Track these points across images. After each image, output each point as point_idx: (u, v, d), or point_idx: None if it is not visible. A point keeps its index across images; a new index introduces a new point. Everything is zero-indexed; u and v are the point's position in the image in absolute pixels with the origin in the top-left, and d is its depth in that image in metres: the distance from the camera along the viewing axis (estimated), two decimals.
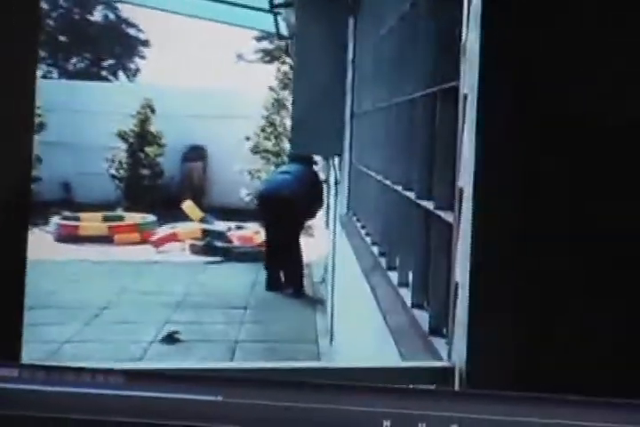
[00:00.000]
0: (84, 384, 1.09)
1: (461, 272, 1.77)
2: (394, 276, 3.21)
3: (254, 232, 11.17)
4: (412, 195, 2.86)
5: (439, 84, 2.46)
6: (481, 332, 1.65)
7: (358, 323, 4.14)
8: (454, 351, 1.80)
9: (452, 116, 2.11)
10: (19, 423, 1.08)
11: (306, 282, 8.63)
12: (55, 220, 12.40)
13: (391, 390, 1.12)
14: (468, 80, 1.82)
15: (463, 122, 1.88)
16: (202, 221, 12.02)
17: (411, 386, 1.72)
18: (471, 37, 1.79)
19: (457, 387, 1.70)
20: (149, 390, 1.09)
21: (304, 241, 8.86)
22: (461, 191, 1.83)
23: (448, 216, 2.18)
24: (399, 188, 3.17)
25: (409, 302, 2.77)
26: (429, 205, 2.53)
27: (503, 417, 1.07)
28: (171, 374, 1.11)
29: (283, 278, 8.62)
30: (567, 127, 1.64)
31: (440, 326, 2.35)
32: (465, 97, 1.85)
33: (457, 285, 1.81)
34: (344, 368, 1.84)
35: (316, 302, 8.08)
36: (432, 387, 1.76)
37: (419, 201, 2.72)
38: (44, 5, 23.13)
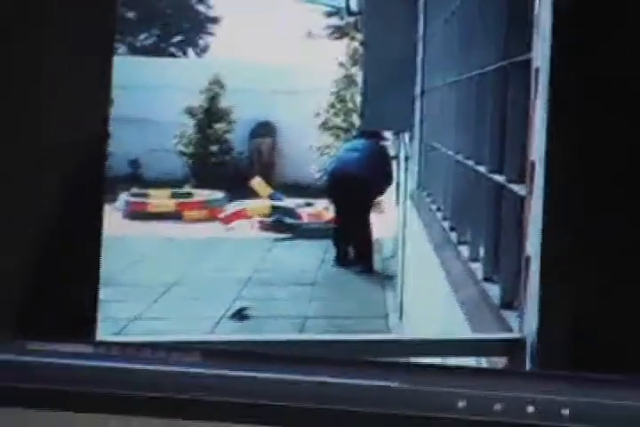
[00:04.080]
0: (159, 361, 1.10)
1: (533, 245, 1.77)
2: (464, 250, 3.21)
3: (323, 209, 11.19)
4: (483, 169, 2.86)
5: (511, 58, 2.45)
6: (552, 304, 1.66)
7: (429, 298, 4.15)
8: (525, 324, 1.81)
9: (524, 89, 2.10)
10: (94, 400, 1.10)
11: (375, 258, 8.63)
12: (124, 196, 12.49)
13: (466, 370, 1.12)
14: (541, 53, 1.81)
15: (535, 95, 1.87)
16: (270, 197, 12.07)
17: (485, 365, 1.74)
18: (543, 9, 1.78)
19: (528, 360, 1.71)
20: (226, 368, 1.09)
21: (374, 217, 8.87)
22: (533, 165, 1.83)
23: (520, 189, 2.19)
24: (470, 162, 3.17)
25: (480, 276, 2.77)
26: (501, 178, 2.53)
27: (580, 398, 1.07)
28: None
29: (352, 255, 8.65)
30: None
31: (511, 300, 2.36)
32: (537, 70, 1.84)
33: (528, 258, 1.82)
34: (414, 340, 1.86)
35: (386, 278, 8.09)
36: (504, 361, 1.78)
37: (490, 175, 2.71)
38: None
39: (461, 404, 1.07)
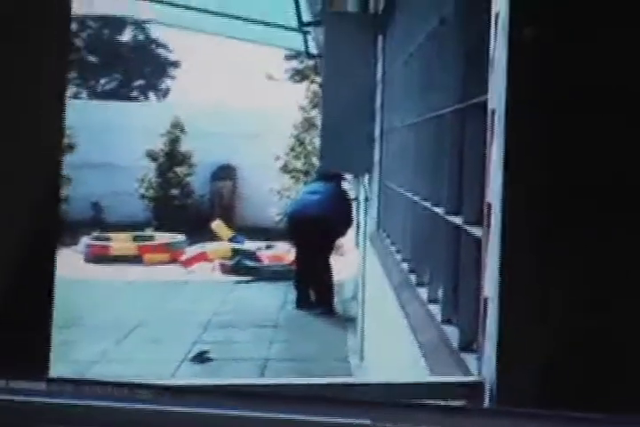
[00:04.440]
0: (111, 398, 1.09)
1: (491, 287, 1.77)
2: (423, 292, 3.20)
3: (284, 251, 11.18)
4: (441, 210, 2.86)
5: (468, 100, 2.47)
6: (511, 346, 1.65)
7: (389, 340, 4.13)
8: (484, 366, 1.79)
9: (480, 131, 2.11)
10: None
11: (336, 300, 8.61)
12: (85, 240, 12.47)
13: (437, 408, 1.11)
14: (496, 95, 1.82)
15: (491, 137, 1.88)
16: (231, 240, 12.06)
17: (442, 403, 1.72)
18: (498, 53, 1.80)
19: (487, 402, 1.69)
20: (179, 404, 1.09)
21: (334, 259, 8.86)
22: (489, 206, 1.83)
23: (477, 231, 2.18)
24: (428, 204, 3.17)
25: (439, 318, 2.76)
26: (459, 220, 2.52)
27: None
28: (206, 389, 1.11)
29: (313, 297, 8.62)
30: (596, 143, 1.63)
31: (470, 342, 2.34)
32: (493, 112, 1.85)
33: (486, 300, 1.81)
34: (374, 384, 1.84)
35: (347, 320, 8.06)
36: (462, 404, 1.76)
37: (448, 217, 2.71)
38: (74, 26, 23.40)
39: None
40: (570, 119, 1.62)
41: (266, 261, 11.04)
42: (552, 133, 1.63)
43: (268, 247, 11.76)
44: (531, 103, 1.65)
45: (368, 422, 1.09)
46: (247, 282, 10.44)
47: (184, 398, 1.12)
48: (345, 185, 8.82)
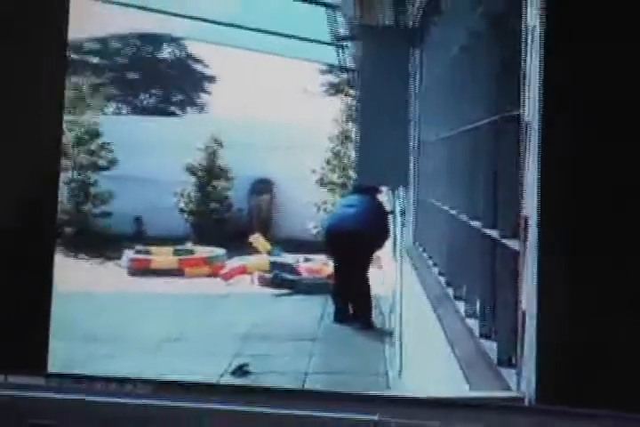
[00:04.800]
0: (109, 393, 1.10)
1: (528, 301, 1.75)
2: (461, 305, 3.19)
3: (322, 264, 11.17)
4: (477, 224, 2.85)
5: (502, 113, 2.46)
6: (550, 362, 1.63)
7: (427, 354, 4.11)
8: (523, 381, 1.78)
9: (515, 144, 2.10)
10: None
11: (374, 314, 8.58)
12: (128, 253, 12.60)
13: (446, 402, 1.12)
14: (530, 108, 1.82)
15: (526, 150, 1.87)
16: (270, 253, 12.08)
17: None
18: (532, 66, 1.79)
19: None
20: (177, 399, 1.09)
21: (372, 273, 8.84)
22: (526, 220, 1.82)
23: (514, 244, 2.17)
24: (465, 217, 3.16)
25: (477, 332, 2.75)
26: (495, 233, 2.51)
27: None
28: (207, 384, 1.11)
29: (351, 310, 8.60)
30: (630, 155, 1.62)
31: (509, 356, 2.33)
32: (527, 125, 1.85)
33: (524, 313, 1.80)
34: (412, 398, 1.83)
35: (385, 334, 8.03)
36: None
37: (484, 230, 2.70)
38: (115, 44, 23.69)
39: None
40: (603, 132, 1.62)
41: (304, 274, 11.05)
42: (586, 146, 1.62)
43: (307, 260, 11.76)
44: (565, 117, 1.64)
45: (376, 417, 1.09)
46: (286, 295, 10.45)
47: (182, 393, 1.13)
48: (381, 198, 8.80)
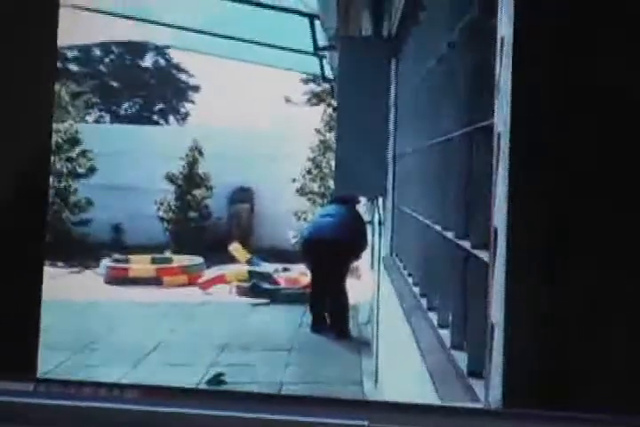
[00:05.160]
0: (99, 399, 1.09)
1: (496, 313, 1.75)
2: (434, 316, 3.18)
3: (301, 274, 11.17)
4: (450, 235, 2.85)
5: (475, 124, 2.46)
6: (516, 374, 1.63)
7: (401, 365, 4.10)
8: (490, 393, 1.77)
9: (487, 155, 2.11)
10: None
11: (351, 324, 8.58)
12: (105, 262, 12.57)
13: (432, 408, 1.11)
14: (501, 119, 1.82)
15: (497, 160, 1.87)
16: (248, 262, 12.07)
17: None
18: (503, 76, 1.79)
19: None
20: (166, 405, 1.08)
21: (350, 283, 8.84)
22: (496, 231, 1.82)
23: (485, 255, 2.17)
24: (438, 227, 3.16)
25: (448, 343, 2.74)
26: (467, 244, 2.51)
27: None
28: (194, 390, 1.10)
29: (328, 320, 8.60)
30: (602, 165, 1.62)
31: (478, 368, 2.32)
32: (499, 136, 1.85)
33: (492, 325, 1.79)
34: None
35: (362, 344, 8.03)
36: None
37: (457, 240, 2.70)
38: (97, 52, 23.65)
39: None
40: (574, 143, 1.62)
41: (282, 284, 11.04)
42: (557, 156, 1.62)
43: (285, 270, 11.76)
44: (535, 126, 1.64)
45: (365, 423, 1.08)
46: (264, 304, 10.44)
47: (171, 398, 1.11)
48: (360, 208, 8.82)
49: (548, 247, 1.63)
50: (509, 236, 1.67)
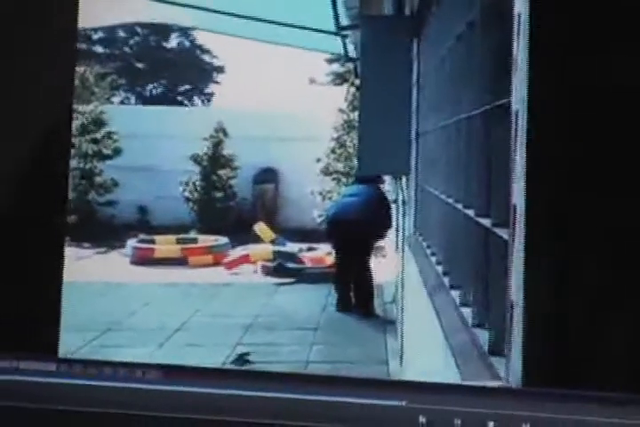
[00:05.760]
0: (121, 379, 1.09)
1: (516, 291, 1.75)
2: (457, 295, 3.19)
3: (326, 253, 11.19)
4: (471, 212, 2.85)
5: (495, 102, 2.46)
6: (536, 352, 1.63)
7: (425, 344, 4.12)
8: (511, 371, 1.78)
9: (506, 132, 2.10)
10: (56, 417, 1.09)
11: (376, 303, 8.60)
12: (131, 243, 12.64)
13: (461, 388, 1.11)
14: (519, 96, 1.81)
15: (515, 137, 1.87)
16: (273, 242, 12.11)
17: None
18: (520, 53, 1.79)
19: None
20: (188, 385, 1.08)
21: (375, 262, 8.85)
22: (515, 208, 1.82)
23: (504, 233, 2.17)
24: (460, 205, 3.16)
25: (470, 322, 2.75)
26: (487, 222, 2.51)
27: (570, 416, 1.06)
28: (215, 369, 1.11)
29: (353, 300, 8.62)
30: (620, 143, 1.61)
31: (499, 346, 2.33)
32: (516, 113, 1.84)
33: (512, 304, 1.80)
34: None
35: (387, 323, 8.05)
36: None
37: (478, 218, 2.70)
38: (122, 34, 23.70)
39: (457, 421, 1.06)
40: (592, 120, 1.61)
41: (307, 264, 11.08)
42: (574, 134, 1.61)
43: (310, 249, 11.78)
44: (552, 103, 1.63)
45: (403, 403, 1.08)
46: (289, 284, 10.48)
47: (194, 378, 1.11)
48: (384, 187, 8.81)
49: (566, 224, 1.63)
50: (527, 213, 1.67)
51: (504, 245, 2.15)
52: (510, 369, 1.81)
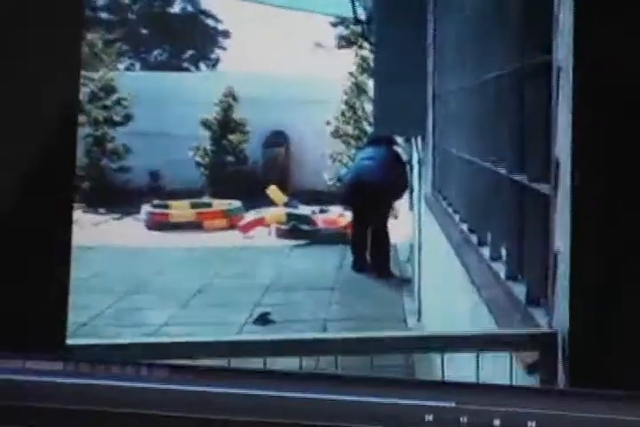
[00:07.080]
0: (127, 378, 1.09)
1: (560, 242, 1.80)
2: (485, 251, 3.24)
3: (338, 215, 11.26)
4: (503, 170, 2.89)
5: (530, 59, 2.48)
6: (582, 298, 1.66)
7: (449, 299, 4.18)
8: (555, 320, 1.83)
9: (544, 88, 2.13)
10: (63, 416, 1.09)
11: (392, 262, 8.68)
12: (146, 208, 12.69)
13: (501, 389, 1.11)
14: (562, 53, 1.84)
15: (557, 94, 1.90)
16: (286, 205, 12.17)
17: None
18: (564, 10, 1.82)
19: (560, 355, 1.73)
20: (193, 384, 1.08)
21: (390, 223, 8.92)
22: (557, 164, 1.86)
23: (543, 188, 2.21)
24: (489, 164, 3.20)
25: (503, 275, 2.80)
26: (523, 178, 2.55)
27: (612, 416, 1.06)
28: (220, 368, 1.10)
29: (369, 260, 8.69)
30: None
31: (538, 297, 2.38)
32: (559, 70, 1.87)
33: (556, 255, 1.84)
34: (445, 336, 1.87)
35: (403, 282, 8.14)
36: (535, 356, 1.80)
37: (511, 175, 2.74)
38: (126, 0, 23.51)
39: (496, 422, 1.06)
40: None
41: (321, 225, 11.15)
42: (622, 91, 1.63)
43: (322, 211, 11.85)
44: (599, 61, 1.65)
45: (453, 404, 1.08)
46: (303, 246, 10.57)
47: (200, 377, 1.11)
48: (397, 149, 8.83)
49: (612, 178, 1.65)
50: (573, 168, 1.69)
51: (542, 199, 2.20)
52: (555, 315, 1.86)
